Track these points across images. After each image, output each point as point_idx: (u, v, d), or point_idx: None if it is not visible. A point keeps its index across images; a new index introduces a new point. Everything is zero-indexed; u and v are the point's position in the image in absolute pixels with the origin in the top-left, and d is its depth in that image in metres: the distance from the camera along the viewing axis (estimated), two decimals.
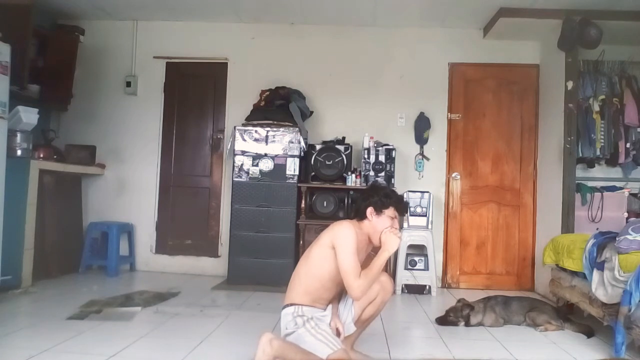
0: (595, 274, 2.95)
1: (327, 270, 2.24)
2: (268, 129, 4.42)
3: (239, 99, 4.86)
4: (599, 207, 4.29)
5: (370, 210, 2.32)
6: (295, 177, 4.38)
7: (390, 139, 4.66)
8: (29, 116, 3.87)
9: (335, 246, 2.21)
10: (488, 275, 4.77)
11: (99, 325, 2.96)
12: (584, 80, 4.31)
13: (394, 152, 4.48)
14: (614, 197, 4.34)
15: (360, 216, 2.35)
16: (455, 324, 3.28)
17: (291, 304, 2.27)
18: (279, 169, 4.38)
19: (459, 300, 3.40)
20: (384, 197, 2.34)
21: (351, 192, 4.50)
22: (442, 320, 3.31)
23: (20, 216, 3.81)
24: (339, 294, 2.39)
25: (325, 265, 2.24)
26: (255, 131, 4.41)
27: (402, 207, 2.42)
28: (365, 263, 2.32)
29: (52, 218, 4.32)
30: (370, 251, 2.42)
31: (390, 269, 4.38)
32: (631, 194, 4.39)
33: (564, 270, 3.50)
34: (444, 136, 4.85)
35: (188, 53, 5.01)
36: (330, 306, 2.35)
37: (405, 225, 4.45)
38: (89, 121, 5.00)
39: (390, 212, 2.33)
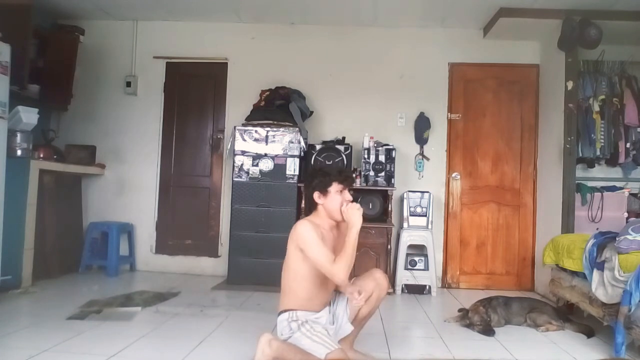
0: (595, 274, 2.95)
1: (307, 271, 2.23)
2: (268, 129, 4.42)
3: (239, 99, 4.86)
4: (599, 207, 4.29)
5: (316, 195, 2.31)
6: (295, 177, 4.38)
7: (390, 139, 4.66)
8: (29, 116, 3.87)
9: (300, 247, 2.20)
10: (488, 275, 4.77)
11: (99, 325, 2.97)
12: (584, 80, 4.32)
13: (394, 152, 4.48)
14: (614, 197, 4.34)
15: (313, 206, 2.34)
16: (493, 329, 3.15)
17: (285, 310, 2.28)
18: (279, 169, 4.38)
19: (478, 305, 3.26)
20: (321, 176, 2.32)
21: (351, 192, 4.47)
22: (487, 328, 3.12)
23: (20, 216, 3.81)
24: (334, 288, 2.39)
25: (304, 268, 2.23)
26: (255, 131, 4.41)
27: (344, 177, 2.35)
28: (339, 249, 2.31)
29: (52, 218, 4.32)
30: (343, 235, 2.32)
31: (390, 268, 4.39)
32: (631, 194, 4.39)
33: (564, 270, 3.50)
34: (444, 136, 4.85)
35: (188, 53, 5.01)
36: (326, 308, 2.36)
37: (405, 225, 4.46)
38: (89, 121, 5.00)
39: (335, 187, 2.30)
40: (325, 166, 2.40)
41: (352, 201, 2.32)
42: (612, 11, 4.11)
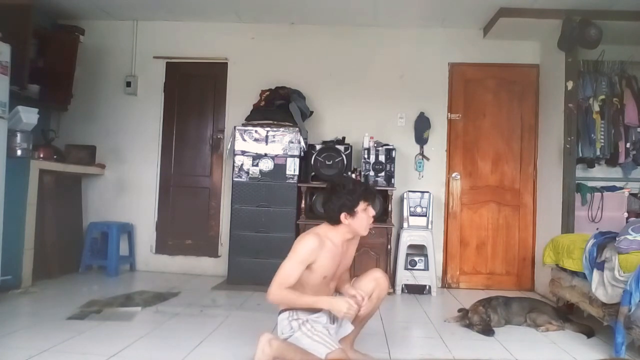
0: (595, 274, 2.95)
1: (309, 278, 2.21)
2: (268, 129, 4.42)
3: (239, 99, 4.86)
4: (599, 207, 4.29)
5: (343, 216, 2.23)
6: (295, 177, 4.38)
7: (390, 139, 4.66)
8: (29, 116, 3.87)
9: (291, 250, 2.19)
10: (488, 275, 4.77)
11: (99, 325, 2.97)
12: (584, 80, 4.31)
13: (394, 152, 4.48)
14: (614, 197, 4.34)
15: (335, 222, 2.27)
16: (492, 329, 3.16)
17: (285, 309, 2.27)
18: (279, 169, 4.38)
19: (478, 305, 3.27)
20: (348, 195, 2.23)
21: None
22: (487, 328, 3.13)
23: (20, 216, 3.81)
24: (335, 285, 2.39)
25: (306, 274, 2.21)
26: (255, 131, 4.41)
27: (369, 193, 2.30)
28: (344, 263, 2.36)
29: (52, 218, 4.32)
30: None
31: (390, 268, 4.38)
32: (631, 194, 4.39)
33: (564, 270, 3.50)
34: (444, 136, 4.85)
35: (188, 53, 5.01)
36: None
37: (405, 225, 4.46)
38: (89, 121, 5.00)
39: (361, 206, 2.24)
40: (344, 181, 2.26)
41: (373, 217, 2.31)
42: (612, 11, 4.11)
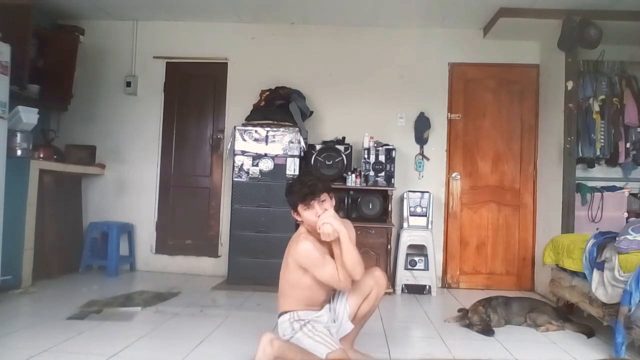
0: (595, 274, 2.95)
1: (307, 281, 2.23)
2: (268, 129, 4.42)
3: (239, 99, 4.86)
4: (599, 207, 4.30)
5: (294, 214, 2.30)
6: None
7: (390, 139, 4.66)
8: (29, 116, 3.87)
9: (303, 267, 2.19)
10: (488, 275, 4.77)
11: (99, 325, 2.97)
12: (584, 80, 4.31)
13: (394, 152, 4.48)
14: (614, 197, 4.34)
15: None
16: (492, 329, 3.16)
17: (286, 311, 2.28)
18: (279, 169, 4.38)
19: (478, 305, 3.27)
20: (288, 195, 2.28)
21: (351, 192, 4.51)
22: (487, 328, 3.13)
23: (20, 216, 3.81)
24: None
25: (304, 279, 2.23)
26: (255, 131, 4.41)
27: (303, 195, 2.20)
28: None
29: (52, 218, 4.32)
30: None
31: (390, 268, 4.38)
32: (631, 194, 4.39)
33: (564, 270, 3.50)
34: (444, 136, 4.85)
35: (188, 53, 5.01)
36: (326, 306, 2.36)
37: (405, 225, 4.46)
38: (89, 121, 5.00)
39: (301, 207, 2.23)
40: (291, 182, 2.39)
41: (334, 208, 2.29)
42: (612, 11, 4.11)
